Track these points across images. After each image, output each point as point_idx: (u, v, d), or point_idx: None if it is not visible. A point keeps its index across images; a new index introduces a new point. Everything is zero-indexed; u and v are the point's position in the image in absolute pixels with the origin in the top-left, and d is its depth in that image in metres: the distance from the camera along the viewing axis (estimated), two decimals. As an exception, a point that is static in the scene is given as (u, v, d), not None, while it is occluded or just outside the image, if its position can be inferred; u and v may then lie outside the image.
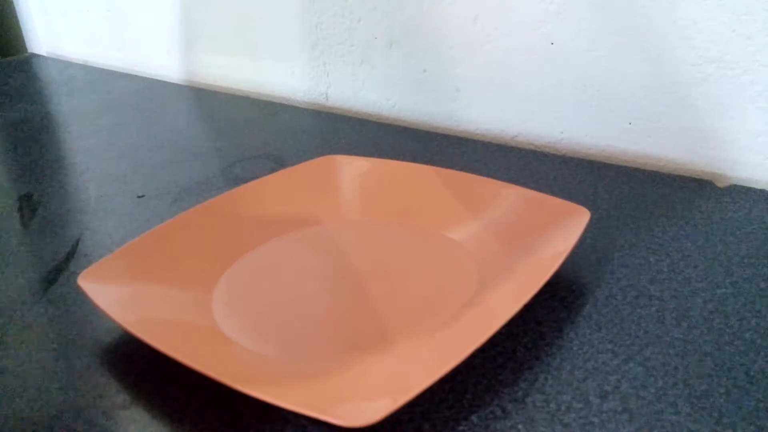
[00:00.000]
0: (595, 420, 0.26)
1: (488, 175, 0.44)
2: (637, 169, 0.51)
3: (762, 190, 0.46)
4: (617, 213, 0.44)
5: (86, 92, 0.85)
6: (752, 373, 0.28)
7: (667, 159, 0.53)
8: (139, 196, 0.51)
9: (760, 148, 0.49)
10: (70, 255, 0.42)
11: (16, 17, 1.18)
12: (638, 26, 0.51)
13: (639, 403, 0.27)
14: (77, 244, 0.44)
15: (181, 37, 0.89)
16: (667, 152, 0.53)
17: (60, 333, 0.34)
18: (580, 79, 0.55)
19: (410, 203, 0.44)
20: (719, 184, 0.48)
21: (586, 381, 0.29)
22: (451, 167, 0.45)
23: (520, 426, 0.26)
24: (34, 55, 1.14)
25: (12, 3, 1.18)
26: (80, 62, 1.06)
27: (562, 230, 0.36)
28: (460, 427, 0.26)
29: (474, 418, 0.27)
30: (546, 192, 0.40)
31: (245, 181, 0.46)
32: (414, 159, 0.54)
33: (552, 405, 0.27)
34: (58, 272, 0.40)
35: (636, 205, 0.45)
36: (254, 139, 0.63)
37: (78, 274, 0.34)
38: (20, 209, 0.50)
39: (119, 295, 0.33)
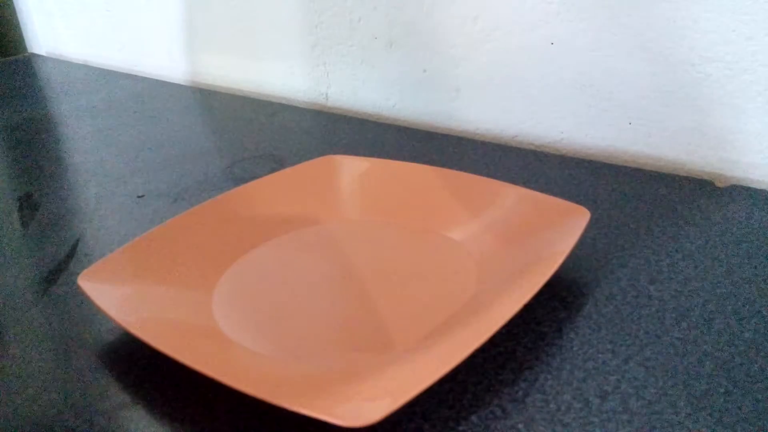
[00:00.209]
0: (595, 420, 0.26)
1: (488, 175, 0.43)
2: (637, 169, 0.51)
3: (762, 190, 0.46)
4: (617, 213, 0.44)
5: (86, 92, 0.85)
6: (752, 373, 0.28)
7: (667, 159, 0.53)
8: (139, 196, 0.51)
9: (760, 148, 0.49)
10: (70, 255, 0.42)
11: (16, 17, 1.18)
12: (638, 26, 0.51)
13: (639, 403, 0.27)
14: (77, 244, 0.44)
15: (182, 37, 0.89)
16: (667, 152, 0.53)
17: (60, 333, 0.34)
18: (580, 79, 0.55)
19: (410, 203, 0.44)
20: (719, 184, 0.48)
21: (586, 381, 0.29)
22: (451, 167, 0.45)
23: (520, 426, 0.26)
24: (34, 55, 1.14)
25: (12, 3, 1.18)
26: (80, 62, 1.06)
27: (562, 230, 0.36)
28: (460, 427, 0.26)
29: (474, 418, 0.27)
30: (546, 192, 0.40)
31: (245, 181, 0.46)
32: (414, 159, 0.54)
33: (552, 405, 0.27)
34: (58, 272, 0.40)
35: (636, 205, 0.45)
36: (254, 139, 0.63)
37: (78, 274, 0.34)
38: (20, 209, 0.50)
39: (119, 295, 0.33)
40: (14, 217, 0.48)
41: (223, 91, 0.82)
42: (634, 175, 0.50)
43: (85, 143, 0.65)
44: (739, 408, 0.27)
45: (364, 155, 0.49)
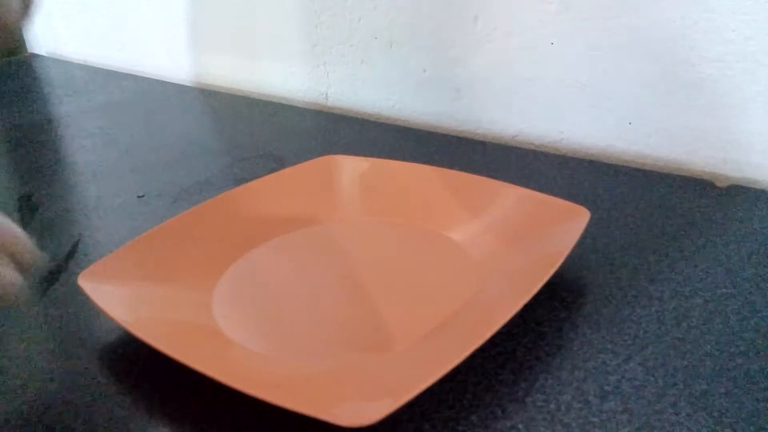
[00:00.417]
0: (595, 420, 0.26)
1: (488, 175, 0.43)
2: (637, 169, 0.51)
3: (762, 190, 0.46)
4: (617, 213, 0.44)
5: (86, 92, 0.85)
6: (752, 373, 0.28)
7: (667, 159, 0.53)
8: (139, 196, 0.51)
9: (760, 148, 0.49)
10: (70, 255, 0.42)
11: (16, 17, 1.18)
12: (638, 26, 0.51)
13: (639, 403, 0.27)
14: (77, 244, 0.44)
15: (182, 37, 0.89)
16: (667, 152, 0.53)
17: (60, 333, 0.34)
18: (580, 79, 0.55)
19: (410, 203, 0.44)
20: (719, 184, 0.48)
21: (586, 381, 0.28)
22: (451, 167, 0.45)
23: (520, 426, 0.26)
24: (34, 55, 1.14)
25: (12, 3, 1.17)
26: (80, 62, 1.06)
27: (562, 230, 0.36)
28: (460, 427, 0.26)
29: (474, 418, 0.27)
30: (546, 192, 0.40)
31: (245, 181, 0.46)
32: (414, 159, 0.54)
33: (552, 405, 0.27)
34: (58, 272, 0.40)
35: (636, 205, 0.45)
36: (254, 139, 0.63)
37: (78, 274, 0.34)
38: (20, 210, 0.50)
39: (119, 295, 0.33)
40: (14, 217, 0.48)
41: (223, 91, 0.82)
42: (634, 175, 0.50)
43: (85, 143, 0.65)
44: (739, 408, 0.27)
45: (364, 155, 0.49)
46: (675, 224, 0.42)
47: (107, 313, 0.30)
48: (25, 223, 0.47)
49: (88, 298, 0.32)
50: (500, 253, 0.37)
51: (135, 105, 0.78)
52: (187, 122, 0.70)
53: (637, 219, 0.43)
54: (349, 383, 0.28)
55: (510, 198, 0.41)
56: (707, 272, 0.36)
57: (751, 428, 0.26)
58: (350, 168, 0.47)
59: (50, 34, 1.15)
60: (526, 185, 0.41)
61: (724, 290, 0.35)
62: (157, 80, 0.89)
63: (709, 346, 0.30)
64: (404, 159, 0.52)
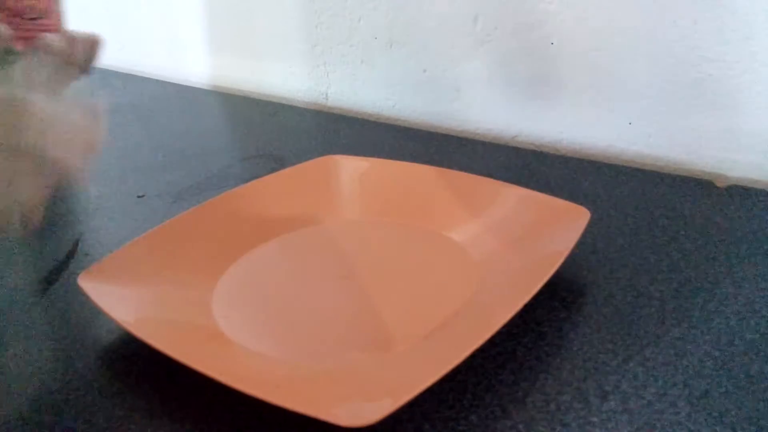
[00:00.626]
0: (595, 420, 0.26)
1: (488, 175, 0.43)
2: (637, 169, 0.51)
3: (762, 190, 0.46)
4: (617, 213, 0.44)
5: (86, 92, 0.85)
6: (752, 373, 0.28)
7: (667, 159, 0.53)
8: (139, 196, 0.51)
9: (760, 148, 0.49)
10: (70, 255, 0.42)
11: (16, 17, 1.18)
12: (638, 26, 0.51)
13: (639, 403, 0.27)
14: (77, 244, 0.44)
15: (181, 37, 0.89)
16: (667, 152, 0.53)
17: (60, 333, 0.34)
18: (580, 79, 0.55)
19: (410, 203, 0.44)
20: (719, 184, 0.48)
21: (586, 381, 0.28)
22: (451, 167, 0.45)
23: (520, 426, 0.26)
24: (34, 55, 1.14)
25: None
26: (80, 62, 1.06)
27: (562, 230, 0.36)
28: (460, 427, 0.26)
29: (474, 418, 0.27)
30: (546, 192, 0.40)
31: (245, 181, 0.46)
32: (414, 159, 0.54)
33: (552, 405, 0.27)
34: (58, 272, 0.40)
35: (636, 205, 0.45)
36: (254, 139, 0.63)
37: (78, 274, 0.34)
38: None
39: (119, 295, 0.33)
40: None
41: (223, 91, 0.82)
42: (634, 175, 0.50)
43: (85, 143, 0.65)
44: (739, 408, 0.27)
45: (364, 155, 0.49)
46: (675, 224, 0.42)
47: (107, 313, 0.30)
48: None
49: (88, 298, 0.32)
50: (500, 253, 0.37)
51: (135, 105, 0.78)
52: (187, 122, 0.70)
53: (637, 219, 0.43)
54: (349, 383, 0.28)
55: (510, 198, 0.41)
56: (707, 272, 0.36)
57: (751, 428, 0.26)
58: (350, 168, 0.47)
59: (50, 34, 1.14)
60: (526, 185, 0.41)
61: (724, 290, 0.35)
62: (157, 80, 0.89)
63: (709, 346, 0.30)
64: (404, 159, 0.51)
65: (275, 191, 0.45)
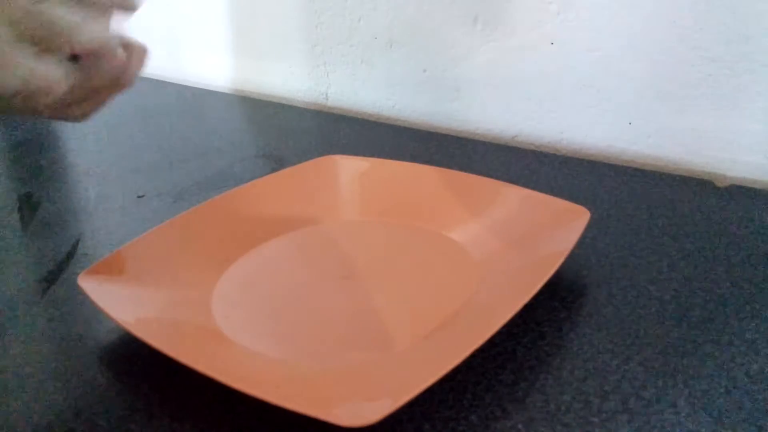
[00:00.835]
0: (595, 420, 0.26)
1: (488, 175, 0.43)
2: (637, 169, 0.51)
3: (762, 190, 0.46)
4: (617, 213, 0.44)
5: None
6: (752, 373, 0.28)
7: (667, 159, 0.53)
8: (139, 196, 0.51)
9: (760, 148, 0.49)
10: (70, 255, 0.42)
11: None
12: (638, 26, 0.51)
13: (639, 403, 0.27)
14: (77, 244, 0.44)
15: (181, 37, 0.89)
16: (667, 152, 0.53)
17: (60, 333, 0.34)
18: (580, 79, 0.55)
19: (410, 203, 0.44)
20: (719, 184, 0.48)
21: (586, 381, 0.28)
22: (451, 167, 0.45)
23: (520, 426, 0.26)
24: (34, 55, 1.14)
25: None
26: (80, 62, 1.06)
27: (562, 230, 0.36)
28: (460, 427, 0.26)
29: (474, 418, 0.27)
30: (546, 192, 0.40)
31: (245, 181, 0.46)
32: (414, 159, 0.54)
33: (552, 405, 0.27)
34: (58, 272, 0.40)
35: (636, 205, 0.45)
36: (254, 139, 0.63)
37: (78, 274, 0.34)
38: (20, 209, 0.50)
39: (119, 295, 0.33)
40: (14, 217, 0.48)
41: (223, 91, 0.82)
42: (634, 175, 0.50)
43: (85, 143, 0.65)
44: (739, 408, 0.27)
45: (364, 155, 0.49)
46: (675, 224, 0.42)
47: (107, 313, 0.30)
48: (25, 223, 0.47)
49: (88, 298, 0.32)
50: (500, 253, 0.37)
51: (135, 105, 0.78)
52: (187, 122, 0.70)
53: (637, 219, 0.43)
54: (349, 383, 0.28)
55: (510, 198, 0.41)
56: (707, 272, 0.36)
57: (751, 428, 0.26)
58: (350, 168, 0.47)
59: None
60: (526, 185, 0.41)
61: (724, 290, 0.35)
62: (157, 80, 0.89)
63: (709, 346, 0.30)
64: (404, 159, 0.52)
65: (275, 191, 0.45)
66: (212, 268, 0.38)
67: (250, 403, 0.28)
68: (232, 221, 0.42)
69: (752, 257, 0.38)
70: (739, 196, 0.46)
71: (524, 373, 0.29)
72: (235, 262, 0.39)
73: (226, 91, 0.84)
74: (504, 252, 0.37)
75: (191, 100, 0.79)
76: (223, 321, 0.33)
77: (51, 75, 0.26)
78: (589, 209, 0.37)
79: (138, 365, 0.31)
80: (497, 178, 0.43)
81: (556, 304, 0.34)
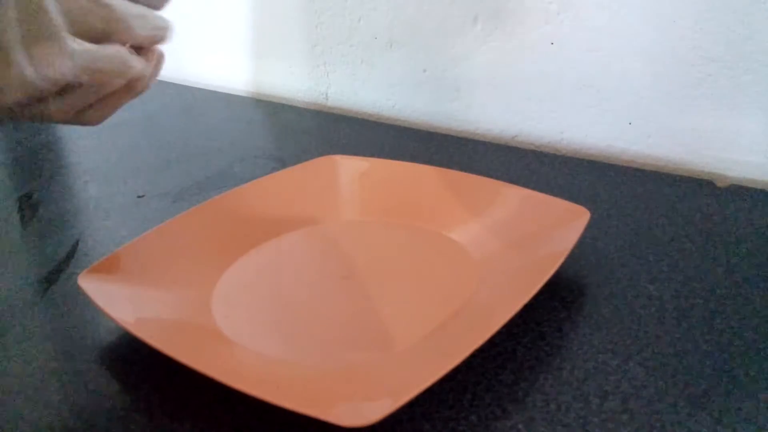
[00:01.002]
0: (595, 420, 0.26)
1: (488, 175, 0.43)
2: (637, 169, 0.51)
3: (762, 190, 0.46)
4: (617, 213, 0.44)
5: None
6: (752, 373, 0.28)
7: (667, 159, 0.53)
8: (139, 196, 0.51)
9: (760, 148, 0.49)
10: (70, 255, 0.42)
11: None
12: (638, 26, 0.51)
13: (639, 403, 0.27)
14: (77, 244, 0.44)
15: (181, 37, 0.89)
16: (667, 152, 0.53)
17: (60, 333, 0.34)
18: (580, 79, 0.55)
19: (410, 203, 0.44)
20: (719, 184, 0.48)
21: (586, 381, 0.28)
22: (451, 167, 0.45)
23: (520, 426, 0.26)
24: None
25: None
26: (80, 62, 1.06)
27: (562, 230, 0.36)
28: (460, 427, 0.26)
29: (474, 418, 0.27)
30: (546, 192, 0.40)
31: (245, 181, 0.46)
32: (414, 159, 0.54)
33: (552, 405, 0.27)
34: (58, 272, 0.40)
35: (636, 205, 0.45)
36: (254, 139, 0.63)
37: (78, 274, 0.34)
38: (20, 209, 0.50)
39: (119, 295, 0.33)
40: (14, 217, 0.48)
41: (222, 91, 0.82)
42: (634, 175, 0.50)
43: (85, 143, 0.65)
44: (739, 408, 0.27)
45: (364, 155, 0.49)
46: (675, 224, 0.42)
47: (107, 313, 0.30)
48: (25, 223, 0.47)
49: (88, 298, 0.32)
50: (500, 253, 0.37)
51: (135, 105, 0.78)
52: (187, 122, 0.70)
53: (637, 219, 0.43)
54: (349, 383, 0.28)
55: (510, 198, 0.41)
56: (707, 272, 0.36)
57: (751, 428, 0.26)
58: (350, 168, 0.47)
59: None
60: (526, 185, 0.41)
61: (724, 290, 0.35)
62: (157, 80, 0.89)
63: (709, 346, 0.30)
64: (404, 159, 0.52)
65: (275, 191, 0.45)
66: (212, 268, 0.38)
67: (250, 403, 0.28)
68: (232, 221, 0.42)
69: (752, 257, 0.38)
70: (739, 196, 0.46)
71: (524, 373, 0.29)
72: (235, 262, 0.39)
73: (226, 91, 0.84)
74: (504, 252, 0.37)
75: (191, 100, 0.79)
76: (223, 321, 0.33)
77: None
78: (589, 209, 0.37)
79: (138, 365, 0.31)
80: (497, 178, 0.43)
81: (556, 304, 0.34)
